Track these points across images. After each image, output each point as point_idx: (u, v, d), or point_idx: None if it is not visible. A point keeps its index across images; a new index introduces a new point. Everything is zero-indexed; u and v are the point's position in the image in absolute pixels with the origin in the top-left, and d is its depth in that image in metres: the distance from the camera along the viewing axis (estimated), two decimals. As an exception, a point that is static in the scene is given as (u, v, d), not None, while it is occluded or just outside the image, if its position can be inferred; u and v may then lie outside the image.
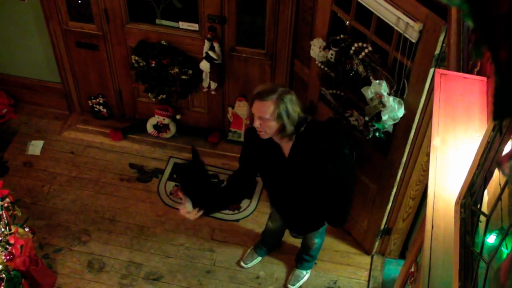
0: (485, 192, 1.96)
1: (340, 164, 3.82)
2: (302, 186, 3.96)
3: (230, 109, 5.63)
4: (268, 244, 5.11)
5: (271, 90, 3.53)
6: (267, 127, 3.55)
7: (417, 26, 3.52)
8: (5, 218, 4.23)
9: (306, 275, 5.05)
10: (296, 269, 5.05)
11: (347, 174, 3.95)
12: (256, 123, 3.55)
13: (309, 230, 4.55)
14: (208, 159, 5.71)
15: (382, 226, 4.85)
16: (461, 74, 2.60)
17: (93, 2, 5.22)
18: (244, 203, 5.47)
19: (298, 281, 5.02)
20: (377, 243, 5.05)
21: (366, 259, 5.16)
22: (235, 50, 5.21)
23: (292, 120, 3.55)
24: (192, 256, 5.14)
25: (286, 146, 3.75)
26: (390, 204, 4.63)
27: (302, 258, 4.98)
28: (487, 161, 1.82)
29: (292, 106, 3.54)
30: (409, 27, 3.58)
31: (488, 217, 1.74)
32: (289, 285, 5.00)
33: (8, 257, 4.20)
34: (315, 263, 5.11)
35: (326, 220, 4.37)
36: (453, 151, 2.20)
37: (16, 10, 5.59)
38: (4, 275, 4.17)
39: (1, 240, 4.18)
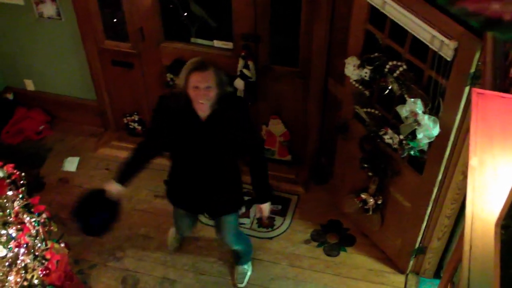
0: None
1: (249, 133, 4.13)
2: (218, 150, 4.06)
3: (264, 127, 5.64)
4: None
5: (207, 61, 3.83)
6: (211, 96, 3.78)
7: (452, 44, 3.51)
8: (41, 233, 4.27)
9: (249, 268, 5.13)
10: (237, 267, 5.12)
11: (258, 141, 4.37)
12: (202, 93, 3.75)
13: (223, 209, 4.48)
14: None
15: (417, 245, 4.81)
16: (498, 93, 2.58)
17: (128, 21, 5.30)
18: (278, 221, 5.48)
19: (244, 277, 5.08)
20: (411, 262, 5.01)
21: (400, 278, 5.11)
22: (269, 68, 5.23)
23: (223, 87, 3.87)
24: (226, 273, 5.15)
25: (205, 112, 3.91)
26: (425, 222, 4.60)
27: (236, 256, 5.08)
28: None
29: (222, 73, 3.87)
30: (444, 45, 3.57)
31: (529, 239, 1.73)
32: (238, 285, 5.07)
33: (44, 271, 4.24)
34: (252, 258, 5.19)
35: (257, 196, 4.38)
36: (491, 172, 2.19)
37: (53, 29, 5.69)
38: (40, 290, 4.21)
39: (38, 255, 4.22)
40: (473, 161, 2.21)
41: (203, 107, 3.83)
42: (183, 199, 4.46)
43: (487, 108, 2.44)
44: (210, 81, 3.73)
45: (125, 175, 4.27)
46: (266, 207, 4.33)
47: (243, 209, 4.87)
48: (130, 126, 6.16)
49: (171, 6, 5.26)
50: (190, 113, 3.89)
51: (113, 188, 4.24)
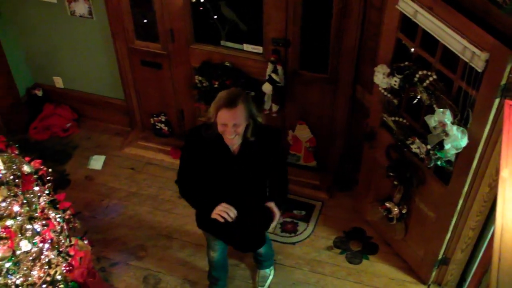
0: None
1: (280, 158, 4.15)
2: (251, 180, 4.03)
3: (290, 132, 5.63)
4: (222, 279, 4.94)
5: (237, 95, 3.69)
6: (239, 131, 3.71)
7: (484, 56, 3.48)
8: (66, 229, 4.30)
9: (271, 272, 5.14)
10: (259, 270, 5.12)
11: (284, 163, 4.27)
12: (230, 130, 3.67)
13: (256, 243, 4.40)
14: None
15: (440, 256, 4.78)
16: (530, 106, 2.57)
17: (159, 22, 5.33)
18: (301, 226, 5.48)
19: (266, 281, 5.09)
20: (434, 273, 4.97)
21: (422, 289, 5.10)
22: (298, 74, 5.23)
23: (254, 118, 3.77)
24: (247, 276, 5.15)
25: (235, 145, 3.86)
26: (449, 233, 4.56)
27: (258, 260, 5.04)
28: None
29: (252, 105, 3.75)
30: (475, 56, 3.54)
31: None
32: (258, 287, 5.08)
33: (67, 268, 4.27)
34: (275, 261, 5.20)
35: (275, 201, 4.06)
36: (522, 184, 2.17)
37: (84, 28, 5.74)
38: (62, 286, 4.23)
39: (62, 251, 4.25)
40: (504, 173, 2.20)
41: (231, 142, 3.79)
42: (217, 226, 4.12)
43: (519, 120, 2.42)
44: (238, 118, 3.65)
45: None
46: (277, 212, 4.04)
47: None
48: (157, 127, 6.19)
49: (201, 8, 5.28)
50: (221, 145, 3.85)
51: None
